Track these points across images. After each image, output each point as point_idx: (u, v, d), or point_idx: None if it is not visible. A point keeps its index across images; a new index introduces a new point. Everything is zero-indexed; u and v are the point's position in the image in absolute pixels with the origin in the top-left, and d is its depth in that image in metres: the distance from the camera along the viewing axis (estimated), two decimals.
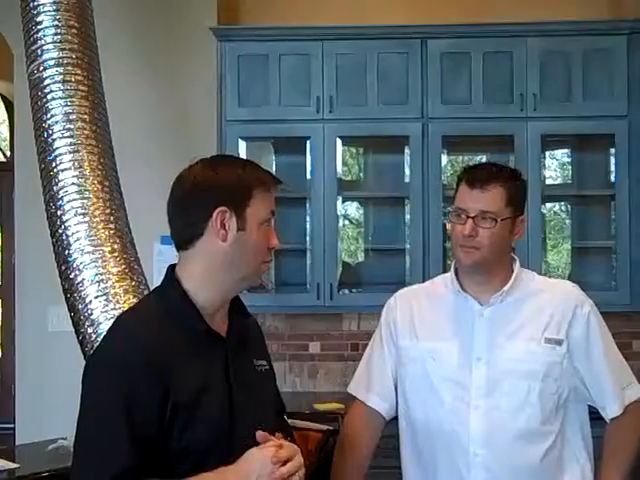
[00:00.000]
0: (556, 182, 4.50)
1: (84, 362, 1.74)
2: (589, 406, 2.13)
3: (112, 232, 3.16)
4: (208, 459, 1.57)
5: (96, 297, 3.05)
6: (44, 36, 3.32)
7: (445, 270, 2.42)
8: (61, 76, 3.28)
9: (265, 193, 1.67)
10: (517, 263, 2.12)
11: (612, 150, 4.08)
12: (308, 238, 4.15)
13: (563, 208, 4.55)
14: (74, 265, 3.10)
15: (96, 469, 1.49)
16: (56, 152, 3.22)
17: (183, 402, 1.55)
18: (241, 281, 1.70)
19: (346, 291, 4.17)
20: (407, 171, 4.15)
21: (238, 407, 1.64)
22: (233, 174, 1.66)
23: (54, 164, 3.21)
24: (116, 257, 3.12)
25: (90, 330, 3.04)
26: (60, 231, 3.16)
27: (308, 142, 4.12)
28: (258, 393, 1.72)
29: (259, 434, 1.60)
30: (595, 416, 2.14)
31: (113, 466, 1.47)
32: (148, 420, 1.52)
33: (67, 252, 3.12)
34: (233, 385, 1.66)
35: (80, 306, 3.08)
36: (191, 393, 1.57)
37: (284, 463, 1.56)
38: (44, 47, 3.32)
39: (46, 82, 3.28)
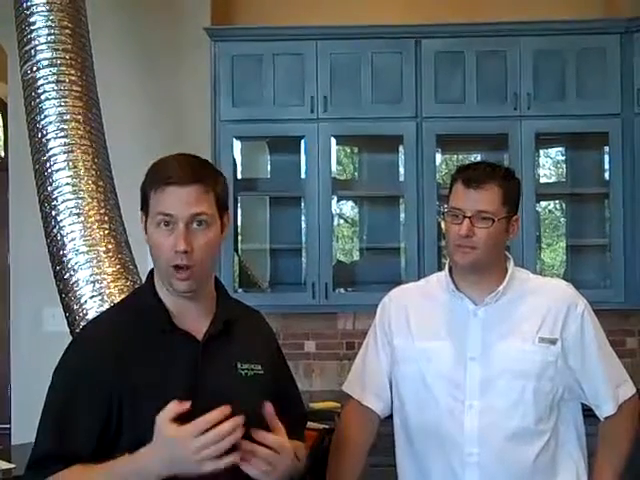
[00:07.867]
0: (550, 180, 4.52)
1: None
2: (582, 403, 2.14)
3: (107, 232, 3.16)
4: None
5: (91, 297, 3.05)
6: (37, 36, 3.32)
7: (440, 269, 2.42)
8: (55, 76, 3.28)
9: (158, 194, 1.65)
10: (511, 262, 2.12)
11: (606, 148, 4.09)
12: (303, 237, 4.15)
13: (557, 206, 4.55)
14: (69, 265, 3.10)
15: (32, 452, 1.68)
16: (50, 152, 3.21)
17: (131, 402, 1.62)
18: (166, 284, 1.69)
19: (341, 290, 4.17)
20: (401, 170, 4.15)
21: (199, 409, 1.60)
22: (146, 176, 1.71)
23: (48, 164, 3.21)
24: (111, 257, 3.12)
25: None
26: (55, 231, 3.15)
27: (302, 142, 4.12)
28: (232, 397, 1.66)
29: (266, 404, 1.64)
30: (588, 413, 2.15)
31: (40, 452, 1.65)
32: (80, 424, 1.62)
33: (62, 252, 3.12)
34: (198, 387, 1.65)
35: (75, 306, 3.07)
36: (141, 393, 1.61)
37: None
38: (37, 47, 3.31)
39: (40, 82, 3.28)
